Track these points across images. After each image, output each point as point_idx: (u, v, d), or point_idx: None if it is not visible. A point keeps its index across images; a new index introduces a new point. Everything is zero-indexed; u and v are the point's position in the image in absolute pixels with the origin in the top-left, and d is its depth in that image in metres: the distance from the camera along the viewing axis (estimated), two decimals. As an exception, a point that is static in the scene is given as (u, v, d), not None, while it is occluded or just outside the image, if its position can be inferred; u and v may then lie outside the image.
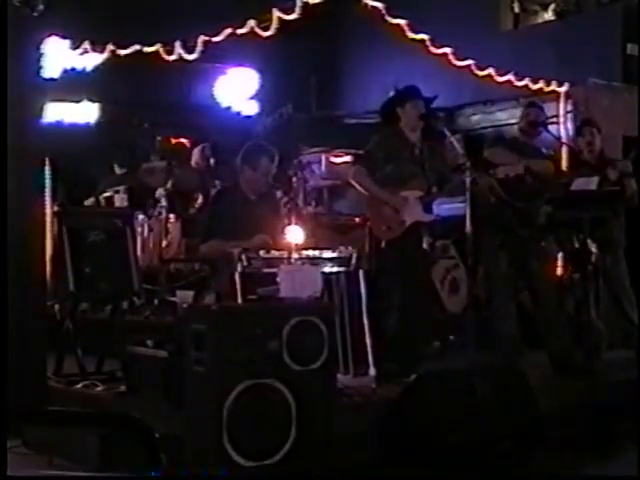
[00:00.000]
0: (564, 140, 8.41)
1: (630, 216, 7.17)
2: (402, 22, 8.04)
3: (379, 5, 7.80)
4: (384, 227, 6.23)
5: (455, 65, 8.57)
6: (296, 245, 5.22)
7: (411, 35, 8.12)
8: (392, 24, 8.00)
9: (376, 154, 6.31)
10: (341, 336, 5.45)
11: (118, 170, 9.65)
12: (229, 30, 7.50)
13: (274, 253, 5.34)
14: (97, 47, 7.20)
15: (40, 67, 5.77)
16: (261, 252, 5.36)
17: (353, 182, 6.36)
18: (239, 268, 5.28)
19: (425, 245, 6.32)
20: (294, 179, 8.40)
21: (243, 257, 5.30)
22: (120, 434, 4.69)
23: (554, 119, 8.89)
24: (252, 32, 7.48)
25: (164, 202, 8.50)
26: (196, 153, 9.36)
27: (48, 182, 6.41)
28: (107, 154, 10.16)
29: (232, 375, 4.31)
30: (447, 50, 8.46)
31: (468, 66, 8.67)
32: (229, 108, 11.50)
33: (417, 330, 6.24)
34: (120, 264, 6.34)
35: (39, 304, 5.71)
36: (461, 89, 10.38)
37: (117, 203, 9.11)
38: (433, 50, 8.35)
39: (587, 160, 7.04)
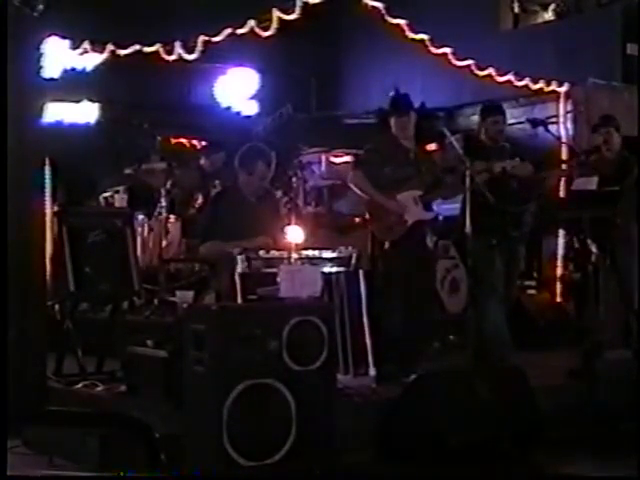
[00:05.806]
0: (564, 140, 8.41)
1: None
2: (402, 22, 8.02)
3: (379, 5, 7.78)
4: (386, 228, 6.22)
5: (455, 65, 8.56)
6: (296, 245, 5.22)
7: (411, 35, 8.10)
8: (392, 24, 7.98)
9: (373, 157, 6.33)
10: (341, 336, 5.45)
11: (118, 170, 9.65)
12: (229, 30, 7.47)
13: (274, 253, 5.35)
14: (97, 47, 7.18)
15: (40, 67, 5.76)
16: (261, 252, 5.37)
17: (353, 187, 6.38)
18: (239, 268, 5.29)
19: (429, 243, 6.33)
20: (294, 179, 8.39)
21: (243, 257, 5.30)
22: (120, 434, 4.70)
23: (554, 119, 8.89)
24: (252, 32, 7.46)
25: (164, 202, 8.50)
26: (217, 159, 9.31)
27: (48, 182, 6.39)
28: (107, 154, 10.16)
29: (232, 375, 4.31)
30: (447, 50, 8.44)
31: (468, 66, 8.65)
32: (229, 108, 11.50)
33: (417, 330, 6.23)
34: (120, 264, 6.34)
35: (39, 304, 5.71)
36: (461, 89, 10.38)
37: (117, 203, 9.10)
38: (433, 50, 8.33)
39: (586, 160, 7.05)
